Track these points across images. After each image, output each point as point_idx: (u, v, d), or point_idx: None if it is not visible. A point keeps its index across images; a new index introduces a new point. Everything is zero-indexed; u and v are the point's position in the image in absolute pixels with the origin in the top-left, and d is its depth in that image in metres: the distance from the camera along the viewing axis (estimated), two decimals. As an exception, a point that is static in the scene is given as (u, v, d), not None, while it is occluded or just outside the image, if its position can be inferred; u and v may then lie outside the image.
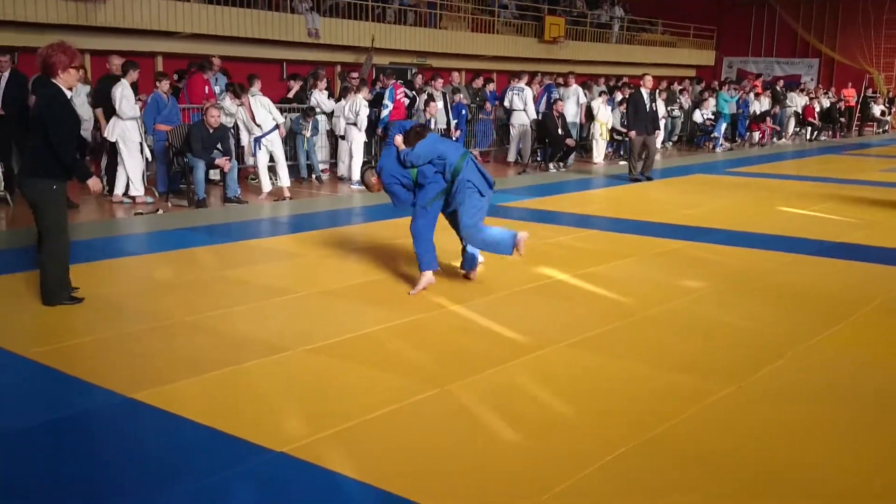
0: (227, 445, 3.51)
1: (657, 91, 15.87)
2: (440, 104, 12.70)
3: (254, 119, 10.65)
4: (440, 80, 13.40)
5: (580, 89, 15.63)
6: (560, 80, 15.82)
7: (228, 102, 11.28)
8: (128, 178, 9.89)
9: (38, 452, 3.50)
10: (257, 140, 10.69)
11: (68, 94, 5.49)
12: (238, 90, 10.81)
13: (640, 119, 12.82)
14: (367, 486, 3.17)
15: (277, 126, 10.78)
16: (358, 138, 11.74)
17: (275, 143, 10.74)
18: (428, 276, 6.05)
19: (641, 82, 13.05)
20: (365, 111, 11.66)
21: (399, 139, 6.08)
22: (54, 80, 5.40)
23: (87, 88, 10.56)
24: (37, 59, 5.46)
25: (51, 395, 4.10)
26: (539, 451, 3.52)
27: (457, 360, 4.61)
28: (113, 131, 9.79)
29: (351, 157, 11.82)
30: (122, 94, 9.65)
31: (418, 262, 6.05)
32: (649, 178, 12.87)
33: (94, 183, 5.63)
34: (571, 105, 15.24)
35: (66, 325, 5.23)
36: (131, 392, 4.02)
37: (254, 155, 10.86)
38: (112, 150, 10.11)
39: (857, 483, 3.30)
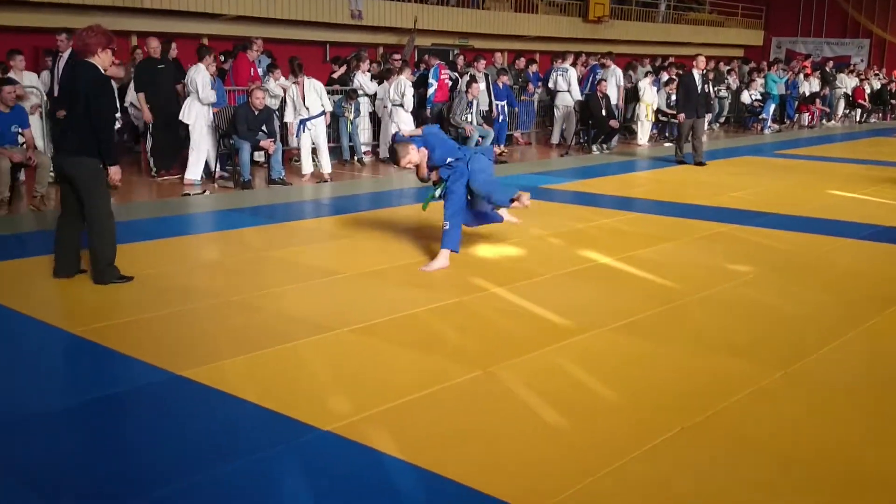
0: (274, 423, 3.56)
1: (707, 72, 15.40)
2: (482, 85, 12.64)
3: (304, 100, 10.68)
4: (483, 62, 13.33)
5: (619, 71, 15.28)
6: (603, 61, 15.60)
7: (273, 84, 11.35)
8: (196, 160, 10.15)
9: (88, 428, 3.59)
10: (303, 122, 10.73)
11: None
12: (297, 68, 10.84)
13: (691, 102, 12.40)
14: (410, 465, 3.20)
15: (324, 113, 10.81)
16: (405, 119, 11.74)
17: (319, 127, 10.78)
18: (446, 255, 6.17)
19: (694, 63, 12.60)
20: (410, 91, 11.65)
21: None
22: (91, 61, 5.52)
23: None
24: (74, 41, 5.61)
25: (101, 372, 4.19)
26: (583, 435, 3.51)
27: (500, 343, 4.62)
28: (190, 114, 10.02)
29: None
30: (204, 79, 9.89)
31: (443, 238, 6.15)
32: (701, 164, 12.38)
33: (115, 171, 5.66)
34: (610, 87, 14.92)
35: (116, 303, 5.33)
36: (180, 369, 4.10)
37: (297, 136, 10.90)
38: (156, 131, 10.26)
39: (908, 472, 3.25)
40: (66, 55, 8.89)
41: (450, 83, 12.66)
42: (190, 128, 10.02)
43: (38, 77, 10.15)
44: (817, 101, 20.05)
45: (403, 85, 11.56)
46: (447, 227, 6.16)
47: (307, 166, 10.81)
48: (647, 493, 3.04)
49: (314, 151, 10.97)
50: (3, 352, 4.46)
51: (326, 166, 10.79)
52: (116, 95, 5.89)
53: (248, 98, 10.14)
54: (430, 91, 12.21)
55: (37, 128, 9.32)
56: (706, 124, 14.27)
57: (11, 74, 9.49)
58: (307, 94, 10.68)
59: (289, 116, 10.90)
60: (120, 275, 5.70)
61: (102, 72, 5.55)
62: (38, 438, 3.46)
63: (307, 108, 10.69)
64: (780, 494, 3.05)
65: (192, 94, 9.98)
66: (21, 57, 9.79)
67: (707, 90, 12.95)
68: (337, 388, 3.96)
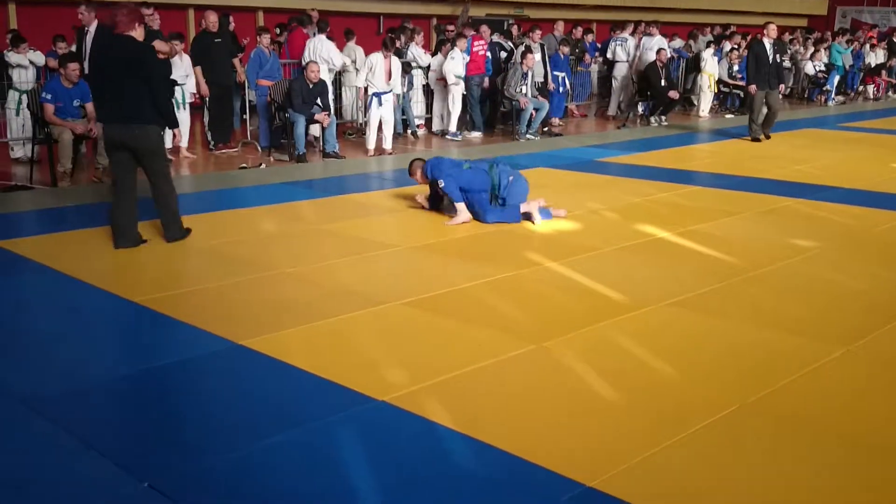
0: (332, 393, 3.61)
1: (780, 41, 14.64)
2: (538, 56, 12.46)
3: (389, 76, 10.64)
4: (538, 32, 13.14)
5: (664, 40, 14.57)
6: (650, 30, 14.77)
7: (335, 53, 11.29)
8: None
9: (150, 396, 3.69)
10: (377, 96, 10.61)
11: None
12: (389, 42, 10.83)
13: (762, 72, 11.68)
14: (465, 436, 3.22)
15: (395, 94, 10.76)
16: (456, 91, 11.67)
17: (389, 104, 10.73)
18: (460, 207, 6.67)
19: (764, 31, 11.86)
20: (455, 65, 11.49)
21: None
22: (131, 34, 5.75)
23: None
24: (107, 17, 5.99)
25: (162, 341, 4.29)
26: (637, 411, 3.48)
27: (554, 317, 4.60)
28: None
29: (449, 111, 11.81)
30: (330, 49, 10.79)
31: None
32: (767, 137, 11.97)
33: (178, 132, 6.63)
34: (649, 56, 14.14)
35: (177, 273, 5.45)
36: (239, 339, 4.17)
37: (369, 109, 10.77)
38: (213, 104, 10.37)
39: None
40: (91, 28, 8.75)
41: (488, 55, 12.29)
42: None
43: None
44: (883, 72, 19.37)
45: (459, 58, 11.44)
46: (441, 184, 6.69)
47: (373, 140, 10.72)
48: (703, 470, 3.01)
49: (380, 127, 10.90)
50: (69, 321, 4.59)
51: (389, 143, 10.77)
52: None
53: (303, 71, 10.18)
54: (462, 63, 11.90)
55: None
56: (780, 98, 13.07)
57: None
58: (394, 71, 10.66)
59: (360, 81, 10.72)
60: (185, 229, 6.15)
61: (154, 49, 5.92)
62: (101, 406, 3.56)
63: (389, 85, 10.64)
64: (840, 474, 2.99)
65: (322, 63, 10.45)
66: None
67: (780, 60, 12.33)
68: (392, 359, 3.99)
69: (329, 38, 11.31)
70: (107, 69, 5.76)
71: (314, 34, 12.20)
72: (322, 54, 10.82)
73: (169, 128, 6.12)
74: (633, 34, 14.71)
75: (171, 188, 6.05)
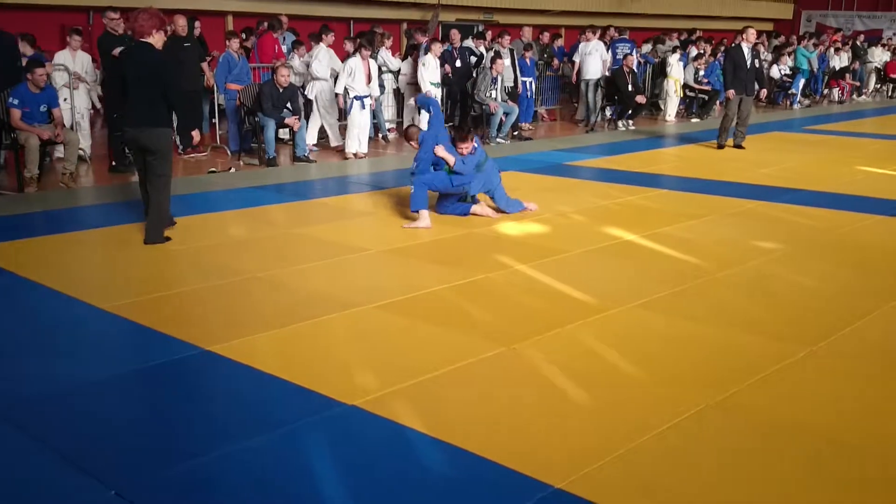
0: (301, 397, 3.61)
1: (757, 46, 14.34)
2: (507, 61, 12.53)
3: (368, 80, 10.63)
4: (507, 37, 13.20)
5: (602, 45, 14.28)
6: (587, 36, 14.22)
7: (298, 62, 11.35)
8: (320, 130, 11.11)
9: (119, 402, 3.66)
10: (358, 99, 10.55)
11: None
12: (367, 43, 10.88)
13: (739, 77, 11.39)
14: (434, 439, 3.23)
15: (371, 97, 10.77)
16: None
17: (368, 108, 10.73)
18: (425, 217, 6.78)
19: (743, 36, 11.60)
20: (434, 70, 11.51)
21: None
22: (147, 41, 6.08)
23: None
24: (131, 23, 6.31)
25: (130, 348, 4.26)
26: (606, 411, 3.52)
27: (523, 320, 4.63)
28: (312, 89, 10.98)
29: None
30: (318, 56, 11.02)
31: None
32: (741, 147, 11.51)
33: (196, 133, 6.97)
34: (595, 61, 13.88)
35: (145, 280, 5.41)
36: (208, 344, 4.16)
37: (348, 113, 10.69)
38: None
39: (935, 450, 3.23)
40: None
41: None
42: (314, 101, 11.04)
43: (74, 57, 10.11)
44: (847, 75, 19.70)
45: (432, 65, 11.36)
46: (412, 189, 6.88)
47: (355, 145, 10.64)
48: (671, 470, 3.05)
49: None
50: (36, 328, 4.55)
51: (365, 146, 10.78)
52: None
53: (272, 75, 10.15)
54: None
55: (84, 104, 9.67)
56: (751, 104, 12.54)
57: (66, 52, 9.73)
58: (373, 74, 10.67)
59: (339, 88, 10.68)
60: (165, 237, 6.25)
61: (162, 54, 6.19)
62: (67, 412, 3.53)
63: (369, 88, 10.64)
64: (803, 473, 3.05)
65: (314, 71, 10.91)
66: (78, 37, 9.90)
67: (758, 65, 11.96)
68: (362, 363, 3.99)
69: (299, 42, 11.36)
70: (127, 75, 6.15)
71: (283, 39, 12.18)
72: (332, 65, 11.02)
73: (188, 130, 6.96)
74: (600, 40, 14.81)
75: (167, 193, 6.23)
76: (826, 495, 2.91)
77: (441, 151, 6.93)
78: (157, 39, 6.12)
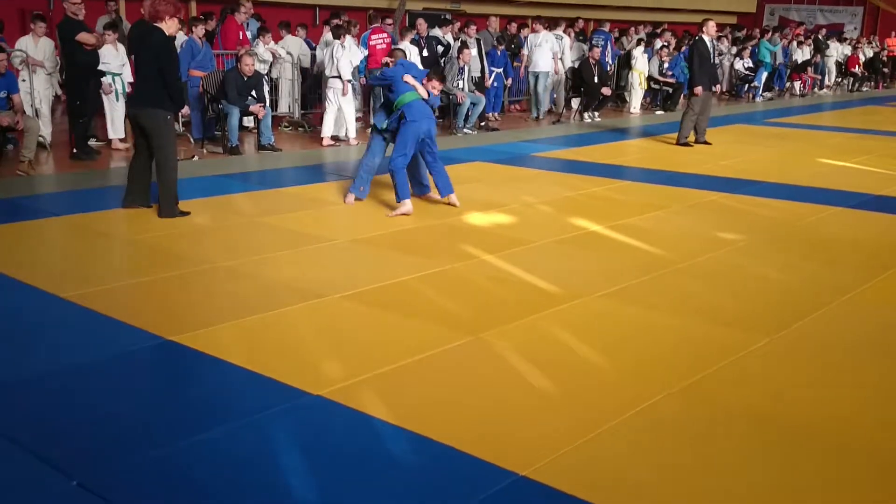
0: (266, 388, 3.59)
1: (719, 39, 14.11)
2: (474, 51, 12.51)
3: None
4: (473, 27, 13.17)
5: (552, 37, 14.01)
6: (535, 27, 13.98)
7: (262, 48, 11.23)
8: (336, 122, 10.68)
9: (78, 392, 3.61)
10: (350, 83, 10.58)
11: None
12: (343, 29, 10.75)
13: (706, 72, 11.02)
14: (401, 429, 3.24)
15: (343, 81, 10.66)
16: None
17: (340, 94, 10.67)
18: (407, 204, 6.76)
19: (704, 29, 11.18)
20: (417, 59, 11.16)
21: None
22: (159, 25, 6.35)
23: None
24: (143, 7, 6.68)
25: (90, 337, 4.20)
26: (570, 400, 3.55)
27: (490, 309, 4.65)
28: (331, 84, 10.56)
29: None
30: (349, 48, 10.62)
31: (396, 193, 6.81)
32: (707, 142, 11.24)
33: (186, 110, 7.39)
34: (544, 53, 13.54)
35: (106, 268, 5.33)
36: (170, 334, 4.11)
37: (329, 100, 10.65)
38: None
39: (888, 438, 3.31)
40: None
41: (385, 47, 11.94)
42: (327, 91, 10.64)
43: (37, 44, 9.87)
44: (808, 68, 19.99)
45: (409, 51, 11.13)
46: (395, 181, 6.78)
47: (337, 130, 10.72)
48: (632, 458, 3.09)
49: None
50: (-6, 316, 4.46)
51: (353, 131, 10.81)
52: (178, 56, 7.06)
53: (237, 63, 10.04)
54: (360, 57, 11.73)
55: (45, 90, 9.44)
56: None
57: (29, 37, 9.48)
58: (353, 60, 10.62)
59: (347, 74, 10.54)
60: (181, 210, 6.57)
61: (167, 35, 6.40)
62: (27, 403, 3.47)
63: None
64: (761, 460, 3.10)
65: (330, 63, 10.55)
66: (43, 24, 9.68)
67: (716, 60, 11.55)
68: (328, 353, 3.98)
69: (264, 29, 11.21)
70: (134, 56, 6.58)
71: (247, 25, 12.02)
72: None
73: (178, 109, 7.00)
74: (566, 31, 14.86)
75: (171, 169, 6.47)
76: (784, 478, 2.97)
77: (411, 79, 6.92)
78: (169, 25, 6.38)
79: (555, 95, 14.61)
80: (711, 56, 11.17)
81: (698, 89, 11.00)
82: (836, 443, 3.24)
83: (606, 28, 15.00)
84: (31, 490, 2.82)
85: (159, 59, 6.31)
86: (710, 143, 11.26)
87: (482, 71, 12.82)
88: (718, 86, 12.14)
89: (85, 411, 3.42)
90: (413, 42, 12.22)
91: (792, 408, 3.53)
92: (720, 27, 21.32)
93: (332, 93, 10.54)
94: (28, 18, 12.24)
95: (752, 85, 18.51)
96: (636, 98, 15.37)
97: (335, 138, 10.73)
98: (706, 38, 11.19)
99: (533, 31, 13.97)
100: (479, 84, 12.57)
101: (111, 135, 9.75)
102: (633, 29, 18.10)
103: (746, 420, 3.40)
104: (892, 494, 2.92)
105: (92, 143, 9.48)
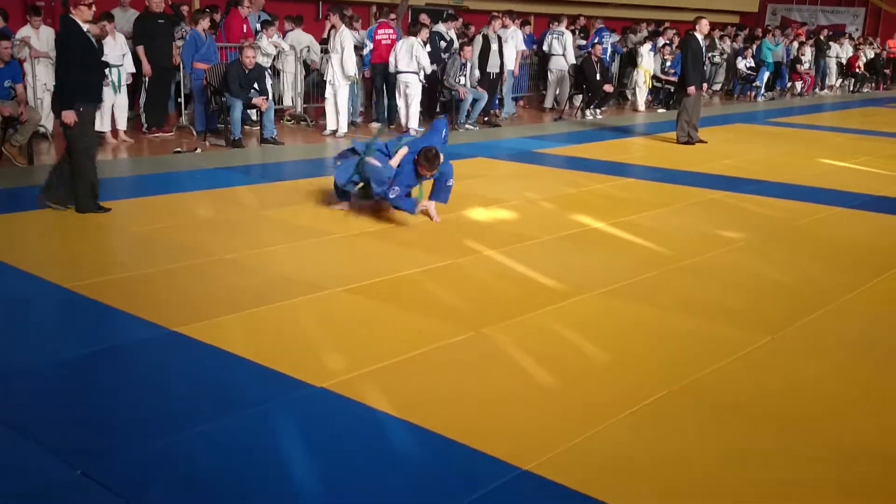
0: (269, 379, 3.60)
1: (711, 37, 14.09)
2: (495, 46, 12.41)
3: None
4: (498, 22, 13.05)
5: (519, 33, 13.60)
6: (505, 22, 13.26)
7: (266, 42, 11.22)
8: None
9: (84, 382, 3.63)
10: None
11: (85, 27, 6.17)
12: (351, 20, 10.93)
13: (698, 70, 10.96)
14: (403, 421, 3.25)
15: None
16: (415, 87, 11.11)
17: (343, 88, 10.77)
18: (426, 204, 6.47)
19: (696, 27, 11.11)
20: (425, 58, 11.11)
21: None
22: (71, 15, 6.09)
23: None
24: None
25: (95, 327, 4.21)
26: (571, 396, 3.57)
27: (492, 305, 4.66)
28: (330, 71, 10.75)
29: (407, 105, 11.22)
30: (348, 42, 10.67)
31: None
32: (702, 141, 11.19)
33: (65, 115, 6.06)
34: (509, 50, 13.03)
35: (111, 259, 5.35)
36: (175, 325, 4.13)
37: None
38: (151, 87, 10.18)
39: (888, 436, 3.32)
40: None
41: (389, 42, 11.87)
42: (331, 83, 10.69)
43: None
44: (798, 66, 19.82)
45: (416, 49, 10.95)
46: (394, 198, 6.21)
47: (333, 122, 10.82)
48: (633, 454, 3.11)
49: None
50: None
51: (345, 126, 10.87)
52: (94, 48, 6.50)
53: (238, 56, 10.03)
54: (365, 52, 11.76)
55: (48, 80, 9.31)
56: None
57: (30, 28, 9.45)
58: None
59: (350, 70, 10.69)
60: (99, 206, 6.30)
61: (77, 23, 6.07)
62: (32, 392, 3.49)
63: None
64: (762, 458, 3.12)
65: (336, 54, 10.55)
66: (37, 17, 9.66)
67: (706, 58, 11.59)
68: (331, 346, 3.99)
69: (269, 23, 11.24)
70: None
71: (257, 18, 12.00)
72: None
73: (59, 107, 6.16)
74: (568, 28, 14.84)
75: (81, 166, 6.15)
76: (785, 475, 2.98)
77: (396, 161, 6.39)
78: (78, 14, 6.08)
79: (558, 92, 14.60)
80: (703, 55, 11.11)
81: (691, 89, 10.95)
82: (837, 441, 3.26)
83: (563, 25, 14.83)
84: (34, 479, 2.83)
85: (56, 49, 6.24)
86: (705, 142, 11.23)
87: (501, 68, 12.70)
88: (705, 84, 11.98)
89: (89, 401, 3.43)
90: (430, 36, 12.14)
91: (792, 406, 3.55)
92: (723, 27, 21.37)
93: (331, 86, 10.57)
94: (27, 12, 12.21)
95: (753, 85, 18.49)
96: (641, 96, 15.34)
97: (335, 133, 10.76)
98: (698, 36, 11.12)
99: (504, 25, 13.24)
100: (494, 80, 12.50)
101: (101, 127, 9.66)
102: (639, 27, 18.06)
103: (747, 417, 3.42)
104: (892, 494, 2.94)
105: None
